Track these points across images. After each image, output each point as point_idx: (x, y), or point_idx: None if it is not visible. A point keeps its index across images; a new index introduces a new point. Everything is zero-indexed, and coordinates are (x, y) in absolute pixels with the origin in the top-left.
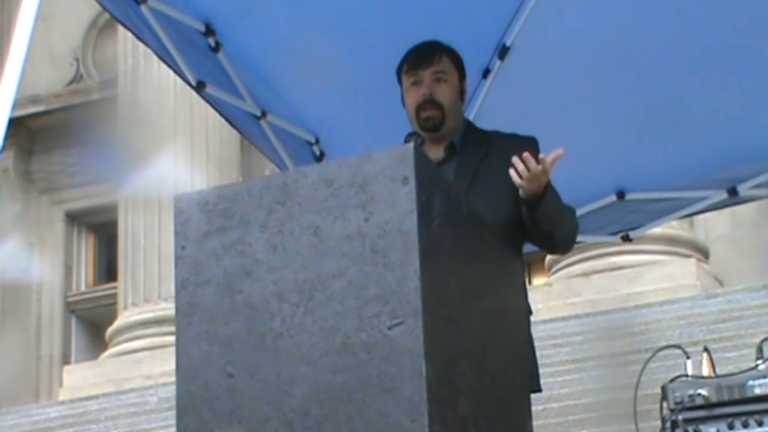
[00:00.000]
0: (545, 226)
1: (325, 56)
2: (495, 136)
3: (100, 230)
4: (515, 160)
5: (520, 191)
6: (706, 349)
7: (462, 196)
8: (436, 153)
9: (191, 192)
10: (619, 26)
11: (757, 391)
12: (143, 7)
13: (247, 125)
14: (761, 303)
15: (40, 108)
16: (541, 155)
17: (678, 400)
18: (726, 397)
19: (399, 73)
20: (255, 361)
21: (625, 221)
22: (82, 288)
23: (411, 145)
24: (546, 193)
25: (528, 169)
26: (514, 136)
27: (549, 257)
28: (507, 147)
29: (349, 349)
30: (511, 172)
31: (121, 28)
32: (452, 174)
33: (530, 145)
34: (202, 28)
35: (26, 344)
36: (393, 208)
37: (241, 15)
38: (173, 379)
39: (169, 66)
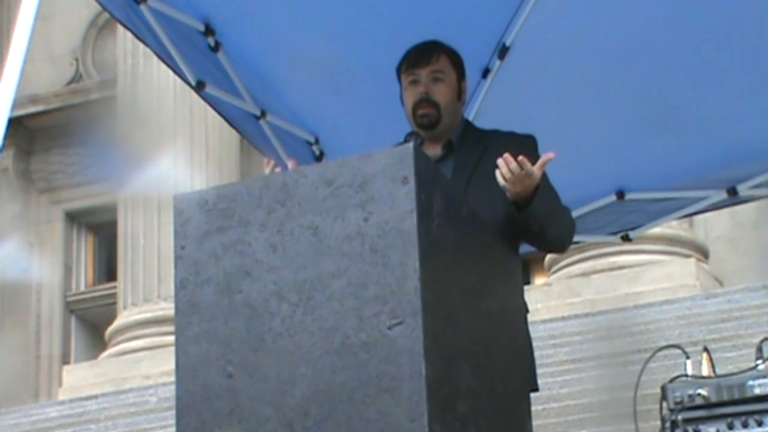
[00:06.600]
0: (534, 227)
1: (325, 56)
2: (493, 134)
3: (100, 230)
4: (500, 162)
5: (506, 192)
6: (705, 349)
7: (461, 196)
8: (433, 151)
9: (191, 192)
10: (618, 26)
11: (757, 391)
12: (143, 7)
13: (247, 125)
14: (761, 303)
15: (40, 107)
16: (520, 157)
17: (678, 400)
18: (726, 397)
19: (398, 71)
20: (254, 360)
21: (625, 221)
22: (82, 288)
23: (411, 144)
24: (534, 195)
25: (510, 171)
26: (511, 135)
27: (548, 257)
28: (504, 145)
29: (348, 349)
30: (497, 173)
31: (120, 28)
32: (450, 172)
33: (528, 143)
34: (202, 28)
35: (26, 344)
36: (393, 208)
37: (240, 15)
38: (173, 378)
39: (169, 66)
